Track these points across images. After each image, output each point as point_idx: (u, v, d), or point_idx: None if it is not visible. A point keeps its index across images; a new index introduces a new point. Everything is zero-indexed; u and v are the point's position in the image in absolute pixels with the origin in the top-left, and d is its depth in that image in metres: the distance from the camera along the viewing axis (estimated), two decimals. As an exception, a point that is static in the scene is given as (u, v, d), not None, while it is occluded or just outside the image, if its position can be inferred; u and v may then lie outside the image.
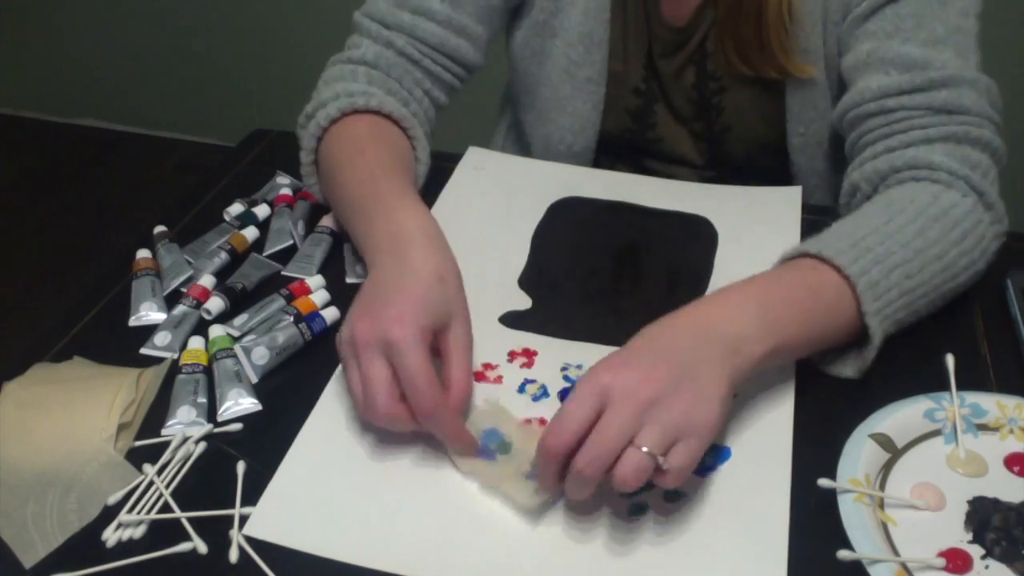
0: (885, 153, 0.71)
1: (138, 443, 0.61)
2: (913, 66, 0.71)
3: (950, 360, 0.62)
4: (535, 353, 0.67)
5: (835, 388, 0.63)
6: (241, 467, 0.58)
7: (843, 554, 0.51)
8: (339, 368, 0.65)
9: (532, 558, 0.53)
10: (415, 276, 0.60)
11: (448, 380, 0.59)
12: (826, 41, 0.80)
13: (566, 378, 0.65)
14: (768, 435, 0.59)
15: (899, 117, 0.71)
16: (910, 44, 0.72)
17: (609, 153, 0.95)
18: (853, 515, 0.53)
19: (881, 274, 0.60)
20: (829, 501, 0.54)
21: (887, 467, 0.57)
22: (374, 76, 0.81)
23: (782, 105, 0.84)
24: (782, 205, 0.80)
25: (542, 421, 0.61)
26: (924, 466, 0.57)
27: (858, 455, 0.56)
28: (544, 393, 0.64)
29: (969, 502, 0.55)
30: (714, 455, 0.58)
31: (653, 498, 0.56)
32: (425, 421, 0.56)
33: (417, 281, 0.60)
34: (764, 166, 0.90)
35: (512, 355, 0.67)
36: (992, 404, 0.60)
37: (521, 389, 0.64)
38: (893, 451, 0.58)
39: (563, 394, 0.63)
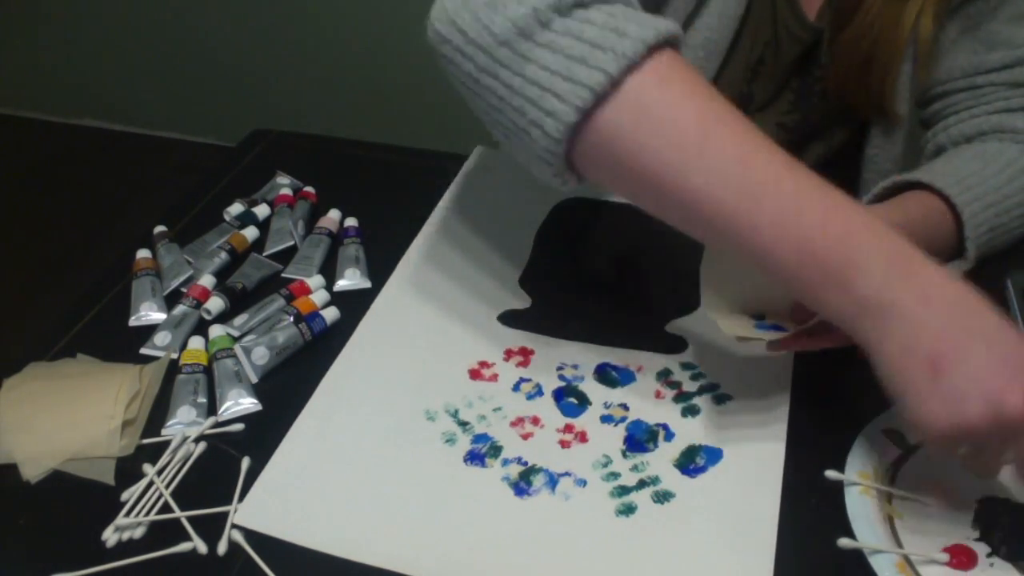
0: (971, 119, 0.78)
1: (140, 442, 0.61)
2: (999, 44, 0.77)
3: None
4: (532, 352, 0.67)
5: (843, 384, 0.63)
6: (246, 462, 0.58)
7: (844, 542, 0.51)
8: (334, 365, 0.65)
9: (520, 556, 0.53)
10: (990, 318, 0.46)
11: None
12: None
13: (561, 377, 0.65)
14: (761, 438, 0.59)
15: (986, 91, 0.78)
16: (996, 22, 0.78)
17: None
18: (859, 507, 0.53)
19: (980, 208, 0.67)
20: (836, 495, 0.54)
21: (898, 463, 0.57)
22: None
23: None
24: None
25: (535, 420, 0.61)
26: (936, 464, 0.57)
27: (868, 449, 0.56)
28: (538, 392, 0.64)
29: (979, 501, 0.55)
30: (706, 457, 0.58)
31: (642, 498, 0.56)
32: None
33: (1000, 324, 0.46)
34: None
35: (508, 353, 0.67)
36: None
37: (516, 387, 0.64)
38: (905, 447, 0.58)
39: (557, 393, 0.63)
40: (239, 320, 0.70)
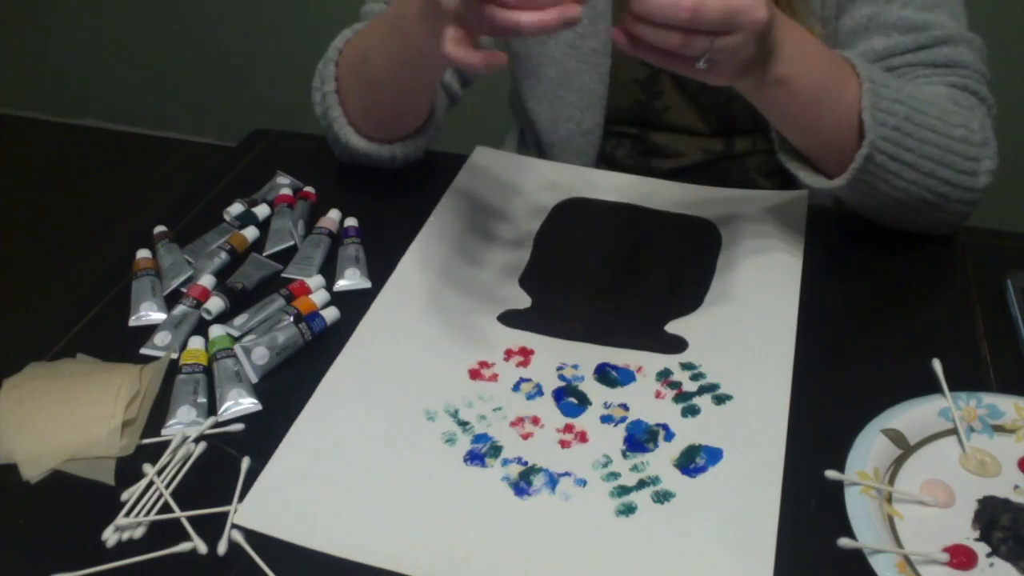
0: None
1: (139, 442, 0.61)
2: (913, 28, 0.76)
3: (937, 365, 0.62)
4: (532, 352, 0.67)
5: (843, 384, 0.63)
6: (246, 462, 0.58)
7: (844, 542, 0.51)
8: (334, 365, 0.65)
9: (520, 556, 0.53)
10: None
11: None
12: (825, 3, 0.82)
13: (561, 377, 0.65)
14: (761, 438, 0.59)
15: (904, 72, 0.76)
16: (908, 8, 0.77)
17: (615, 133, 0.94)
18: (859, 507, 0.53)
19: (888, 96, 0.67)
20: (835, 494, 0.54)
21: (897, 463, 0.57)
22: None
23: None
24: (788, 210, 0.79)
25: (535, 420, 0.61)
26: (936, 464, 0.57)
27: (868, 449, 0.56)
28: (539, 392, 0.64)
29: (979, 501, 0.55)
30: (706, 456, 0.58)
31: (642, 498, 0.56)
32: None
33: None
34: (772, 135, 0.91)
35: (509, 353, 0.67)
36: (1010, 406, 0.60)
37: (516, 387, 0.64)
38: (905, 447, 0.58)
39: (557, 393, 0.63)
40: (239, 320, 0.70)
